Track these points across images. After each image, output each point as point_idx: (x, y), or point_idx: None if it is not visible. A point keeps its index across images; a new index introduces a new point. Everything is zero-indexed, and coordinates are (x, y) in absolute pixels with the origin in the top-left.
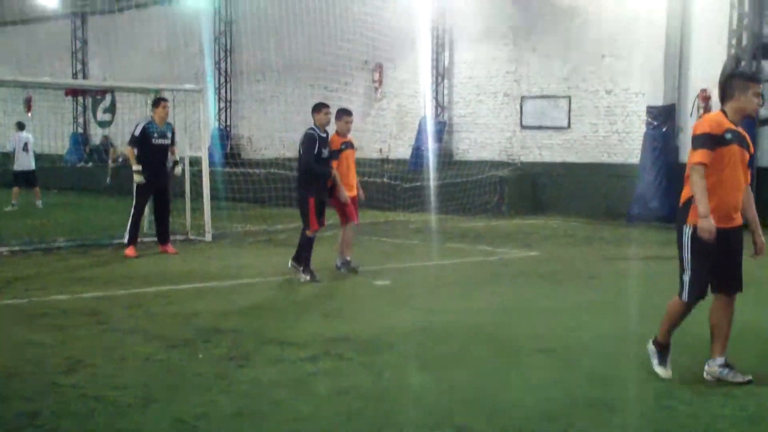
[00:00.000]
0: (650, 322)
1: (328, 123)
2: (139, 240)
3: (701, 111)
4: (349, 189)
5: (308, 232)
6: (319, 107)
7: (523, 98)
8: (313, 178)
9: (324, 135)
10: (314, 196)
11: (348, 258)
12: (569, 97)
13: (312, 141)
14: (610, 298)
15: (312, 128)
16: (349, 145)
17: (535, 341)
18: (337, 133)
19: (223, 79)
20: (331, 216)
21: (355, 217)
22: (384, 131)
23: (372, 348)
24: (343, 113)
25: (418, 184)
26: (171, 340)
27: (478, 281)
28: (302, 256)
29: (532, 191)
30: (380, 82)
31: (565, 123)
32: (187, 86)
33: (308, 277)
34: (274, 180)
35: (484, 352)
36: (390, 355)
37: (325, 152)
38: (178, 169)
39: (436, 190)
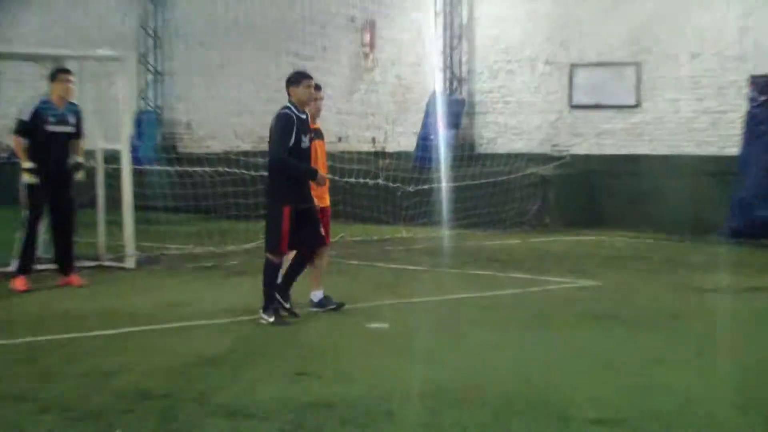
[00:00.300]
0: (757, 380)
1: (310, 100)
2: (33, 267)
3: None
4: (320, 197)
5: (269, 255)
6: (297, 78)
7: (573, 67)
8: (287, 178)
9: (304, 116)
10: (290, 205)
11: (321, 291)
12: (638, 64)
13: (287, 125)
14: (698, 346)
15: (287, 107)
16: (318, 134)
17: (593, 408)
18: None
19: (151, 43)
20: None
21: (327, 235)
22: (378, 114)
23: (363, 418)
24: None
25: (427, 187)
26: (76, 410)
27: (512, 323)
28: (265, 288)
29: (588, 196)
30: (372, 45)
31: (632, 100)
32: (101, 52)
33: (271, 319)
34: (224, 183)
35: (521, 423)
36: (388, 427)
37: (306, 141)
38: (80, 175)
39: (451, 196)
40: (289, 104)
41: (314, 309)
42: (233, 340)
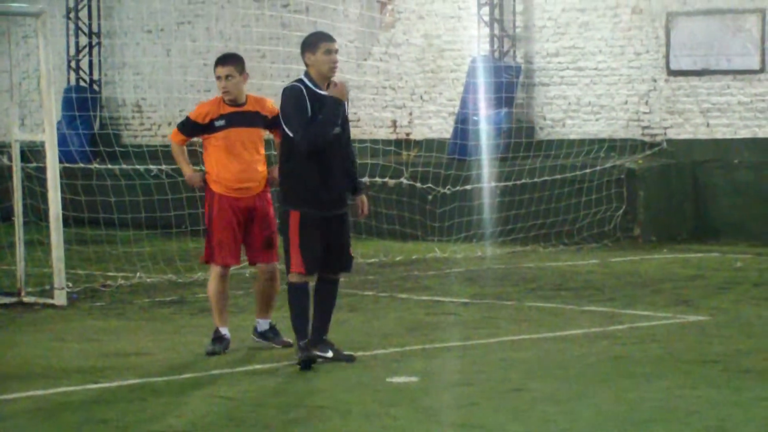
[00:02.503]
0: None
1: (333, 70)
2: None
3: None
4: (244, 191)
5: (292, 278)
6: (313, 42)
7: (670, 16)
8: (299, 173)
9: (322, 92)
10: (301, 209)
11: (270, 320)
12: (762, 12)
13: (293, 98)
14: None
15: (300, 79)
16: (240, 118)
17: None
18: (224, 98)
19: None
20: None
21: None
22: (401, 87)
23: None
24: (215, 62)
25: (468, 187)
26: None
27: (587, 374)
28: (293, 321)
29: (693, 197)
30: None
31: (755, 63)
32: (15, 6)
33: (305, 353)
34: (189, 186)
35: None
36: None
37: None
38: None
39: (502, 200)
40: (303, 77)
41: (257, 340)
42: (203, 403)
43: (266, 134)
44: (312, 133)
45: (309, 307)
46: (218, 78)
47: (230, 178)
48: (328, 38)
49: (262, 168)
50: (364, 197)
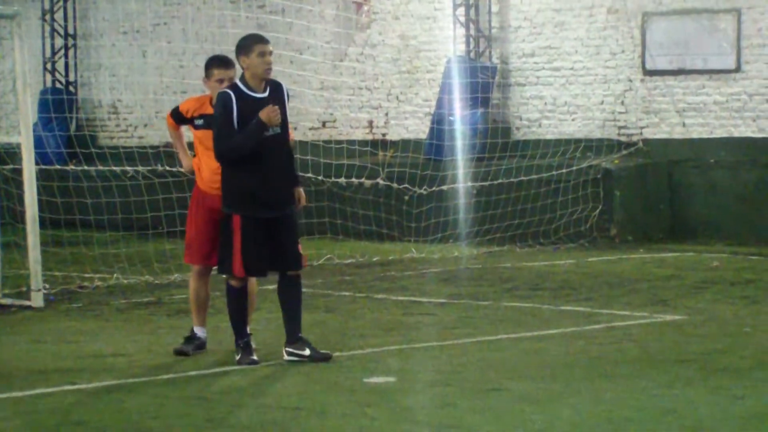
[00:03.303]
0: None
1: (267, 72)
2: None
3: None
4: (216, 190)
5: (232, 281)
6: (247, 44)
7: (646, 16)
8: (238, 176)
9: (258, 96)
10: (242, 212)
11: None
12: (738, 12)
13: (222, 110)
14: None
15: (234, 84)
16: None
17: None
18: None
19: None
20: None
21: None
22: (376, 89)
23: None
24: (217, 64)
25: (445, 188)
26: None
27: (564, 373)
28: (233, 322)
29: (669, 197)
30: None
31: (730, 62)
32: None
33: (237, 356)
34: (164, 187)
35: None
36: None
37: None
38: None
39: (479, 200)
40: (237, 81)
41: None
42: (180, 404)
43: None
44: (227, 147)
45: (247, 308)
46: (220, 81)
47: (203, 176)
48: (261, 40)
49: None
50: (300, 189)
